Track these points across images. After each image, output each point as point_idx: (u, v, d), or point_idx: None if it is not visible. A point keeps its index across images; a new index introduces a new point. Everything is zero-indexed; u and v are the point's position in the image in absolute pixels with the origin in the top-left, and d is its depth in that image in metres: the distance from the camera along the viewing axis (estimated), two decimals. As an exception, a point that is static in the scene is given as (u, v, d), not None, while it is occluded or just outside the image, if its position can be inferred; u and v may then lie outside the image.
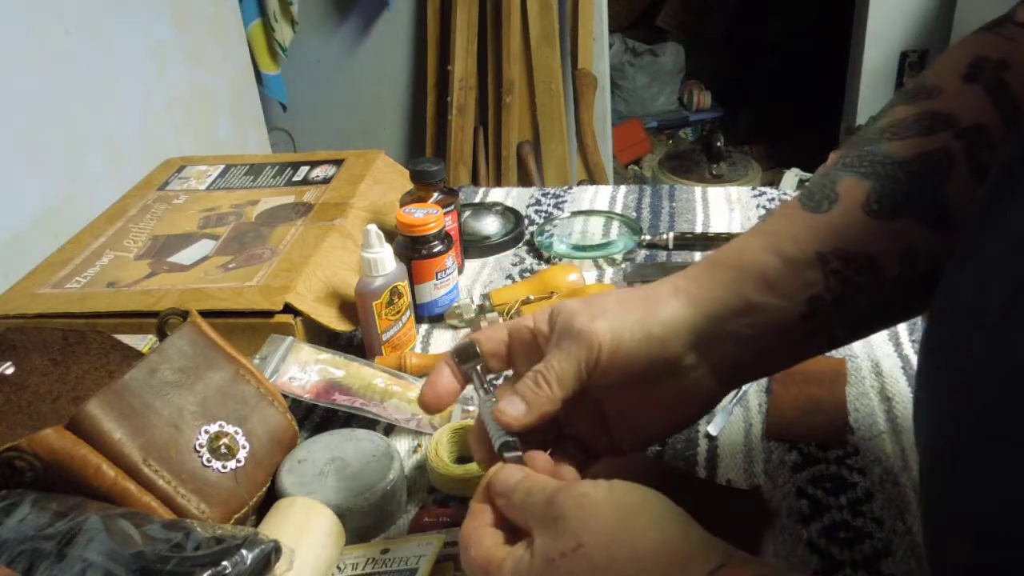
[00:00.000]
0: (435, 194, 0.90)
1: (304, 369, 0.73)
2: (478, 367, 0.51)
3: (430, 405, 0.51)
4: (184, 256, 0.87)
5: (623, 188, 1.15)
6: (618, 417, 0.51)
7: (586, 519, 0.39)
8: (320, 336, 0.80)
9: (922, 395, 0.40)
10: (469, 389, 0.51)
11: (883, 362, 0.75)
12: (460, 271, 0.94)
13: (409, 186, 0.93)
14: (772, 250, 0.48)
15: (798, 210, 0.49)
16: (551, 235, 1.01)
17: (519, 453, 0.47)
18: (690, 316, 0.48)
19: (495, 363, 0.52)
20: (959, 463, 0.35)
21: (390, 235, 0.81)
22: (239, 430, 0.62)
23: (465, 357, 0.51)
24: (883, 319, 0.51)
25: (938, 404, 0.37)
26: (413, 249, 0.83)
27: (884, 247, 0.47)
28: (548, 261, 0.97)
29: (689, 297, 0.48)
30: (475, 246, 0.99)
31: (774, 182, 2.44)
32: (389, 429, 0.71)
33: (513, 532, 0.44)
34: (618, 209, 1.08)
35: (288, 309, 0.77)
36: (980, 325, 0.34)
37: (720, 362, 0.49)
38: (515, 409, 0.47)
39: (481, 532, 0.44)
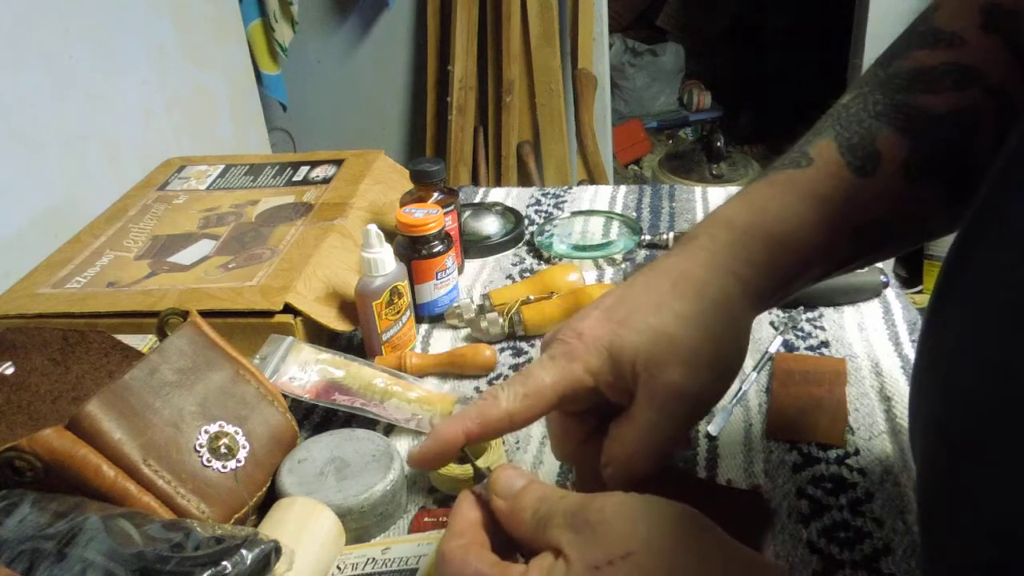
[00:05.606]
0: (435, 194, 0.90)
1: (304, 369, 0.73)
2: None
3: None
4: (184, 256, 0.87)
5: (623, 188, 1.15)
6: None
7: (634, 528, 0.35)
8: (320, 336, 0.80)
9: (917, 397, 0.40)
10: (465, 387, 0.48)
11: (883, 362, 0.75)
12: (460, 271, 0.94)
13: (409, 186, 0.93)
14: (824, 230, 0.46)
15: (845, 171, 0.47)
16: (551, 235, 1.01)
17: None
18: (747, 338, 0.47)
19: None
20: (955, 468, 0.34)
21: (390, 235, 0.81)
22: (239, 430, 0.62)
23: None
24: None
25: (932, 408, 0.37)
26: (413, 249, 0.83)
27: (910, 211, 0.47)
28: (548, 261, 0.97)
29: (754, 320, 0.47)
30: (475, 246, 0.99)
31: (774, 182, 2.44)
32: (389, 429, 0.71)
33: (504, 553, 0.40)
34: (618, 209, 1.08)
35: (288, 309, 0.77)
36: (982, 322, 0.33)
37: None
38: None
39: (475, 549, 0.39)
